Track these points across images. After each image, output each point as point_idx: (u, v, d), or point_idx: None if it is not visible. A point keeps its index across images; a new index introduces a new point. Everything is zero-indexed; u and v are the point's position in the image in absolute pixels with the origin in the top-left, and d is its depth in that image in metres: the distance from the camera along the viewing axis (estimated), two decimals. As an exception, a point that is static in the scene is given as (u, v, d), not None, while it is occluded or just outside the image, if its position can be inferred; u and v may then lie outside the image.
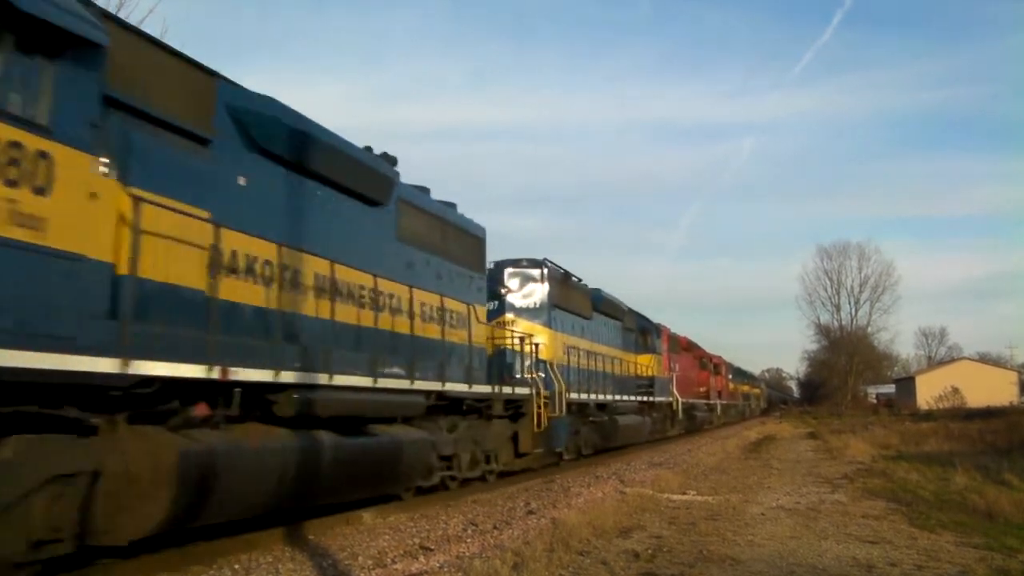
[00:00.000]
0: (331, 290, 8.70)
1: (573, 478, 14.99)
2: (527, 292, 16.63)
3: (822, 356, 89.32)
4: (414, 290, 10.62)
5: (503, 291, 16.31)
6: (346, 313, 9.07)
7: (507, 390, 13.21)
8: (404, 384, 9.74)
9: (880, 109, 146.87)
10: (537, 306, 16.59)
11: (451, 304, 11.92)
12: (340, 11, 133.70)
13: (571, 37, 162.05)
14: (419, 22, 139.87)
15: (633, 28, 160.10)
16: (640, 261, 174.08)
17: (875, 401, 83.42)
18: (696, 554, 7.42)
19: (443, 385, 10.74)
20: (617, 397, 20.93)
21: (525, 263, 16.78)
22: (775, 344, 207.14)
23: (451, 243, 12.44)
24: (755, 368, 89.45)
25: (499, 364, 14.59)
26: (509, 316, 16.17)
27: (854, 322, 79.72)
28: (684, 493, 12.48)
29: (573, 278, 19.07)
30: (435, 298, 11.39)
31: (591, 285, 23.52)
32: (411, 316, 10.50)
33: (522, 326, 15.71)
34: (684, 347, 35.01)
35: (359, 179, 9.73)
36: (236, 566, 6.93)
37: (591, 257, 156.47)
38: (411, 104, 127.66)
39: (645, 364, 25.43)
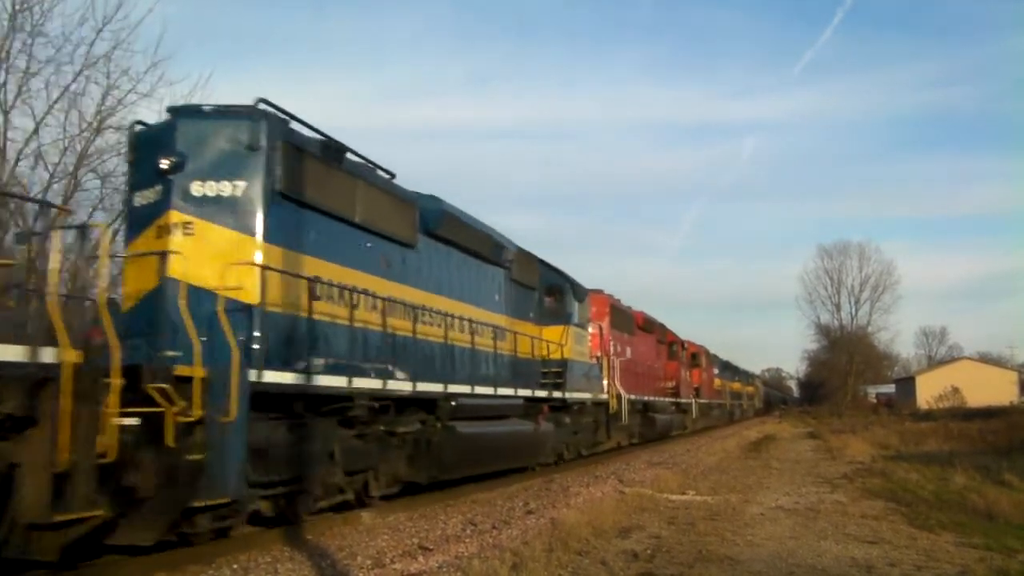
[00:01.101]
0: None
1: (573, 478, 14.99)
2: (223, 168, 8.29)
3: (822, 356, 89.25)
4: None
5: (167, 164, 8.15)
6: None
7: None
8: None
9: (880, 109, 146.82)
10: (242, 195, 8.28)
11: None
12: (340, 11, 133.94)
13: (571, 37, 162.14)
14: (420, 22, 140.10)
15: (633, 28, 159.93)
16: (641, 261, 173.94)
17: (875, 401, 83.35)
18: (695, 554, 7.42)
19: None
20: (467, 388, 12.01)
21: (227, 111, 8.56)
22: (775, 344, 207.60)
23: None
24: (755, 367, 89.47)
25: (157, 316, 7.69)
26: (181, 214, 8.15)
27: (854, 322, 79.55)
28: (683, 493, 12.48)
29: (358, 161, 10.18)
30: None
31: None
32: None
33: (212, 235, 8.16)
34: (641, 326, 25.79)
35: None
36: (235, 566, 6.93)
37: (592, 257, 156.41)
38: (412, 104, 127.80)
39: (552, 341, 16.68)
